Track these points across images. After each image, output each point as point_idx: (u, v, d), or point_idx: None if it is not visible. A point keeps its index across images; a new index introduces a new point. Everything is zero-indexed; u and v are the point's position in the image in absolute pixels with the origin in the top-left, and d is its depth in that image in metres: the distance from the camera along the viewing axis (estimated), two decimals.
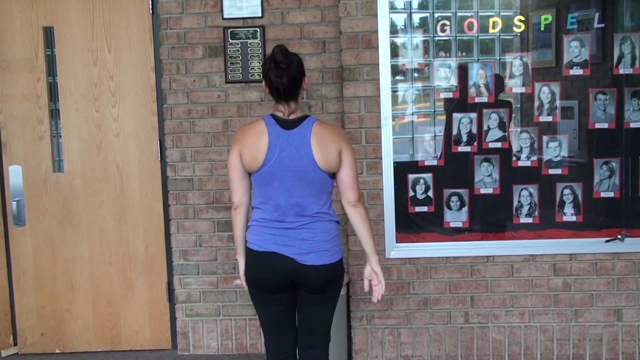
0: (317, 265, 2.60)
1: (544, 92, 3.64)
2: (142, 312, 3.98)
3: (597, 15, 3.61)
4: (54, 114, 3.91)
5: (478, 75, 3.66)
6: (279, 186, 2.58)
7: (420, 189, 3.71)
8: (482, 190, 3.69)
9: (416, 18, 3.73)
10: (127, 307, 3.98)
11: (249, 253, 2.68)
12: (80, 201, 3.92)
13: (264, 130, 2.57)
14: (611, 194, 3.66)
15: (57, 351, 4.01)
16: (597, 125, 3.64)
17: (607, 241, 3.62)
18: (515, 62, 3.66)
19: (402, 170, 3.68)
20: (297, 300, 2.73)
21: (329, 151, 2.58)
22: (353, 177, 2.66)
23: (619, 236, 3.61)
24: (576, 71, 3.62)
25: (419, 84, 3.72)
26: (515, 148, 3.67)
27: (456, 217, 3.71)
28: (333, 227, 2.67)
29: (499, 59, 3.68)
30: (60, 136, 3.91)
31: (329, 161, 2.58)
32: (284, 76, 2.53)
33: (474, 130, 3.66)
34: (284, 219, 2.60)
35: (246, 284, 2.74)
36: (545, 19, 3.65)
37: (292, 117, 2.59)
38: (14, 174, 3.88)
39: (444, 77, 3.68)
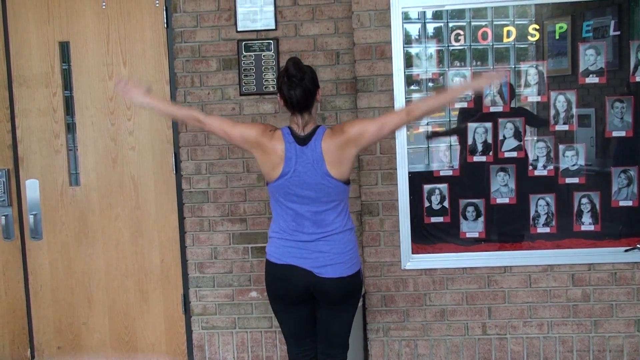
0: (335, 278, 2.65)
1: (560, 100, 3.61)
2: (158, 324, 3.98)
3: (612, 22, 3.58)
4: (70, 128, 3.94)
5: (493, 84, 3.64)
6: (297, 199, 2.64)
7: (435, 199, 3.69)
8: (499, 200, 3.66)
9: (430, 28, 3.72)
10: (143, 320, 3.98)
11: (269, 266, 2.73)
12: (97, 214, 3.93)
13: (281, 144, 2.63)
14: (630, 203, 3.62)
15: None
16: (615, 134, 3.61)
17: (626, 250, 3.58)
18: (530, 71, 3.64)
19: (417, 180, 3.66)
20: (316, 310, 2.78)
21: (342, 158, 2.63)
22: (379, 118, 2.81)
23: (638, 245, 3.57)
24: (592, 79, 3.59)
25: (433, 94, 3.70)
26: (531, 157, 3.64)
27: (472, 228, 3.68)
28: (351, 237, 2.72)
29: (514, 67, 3.66)
30: (77, 150, 3.94)
31: (343, 169, 2.64)
32: (297, 89, 2.59)
33: (490, 140, 3.64)
34: (302, 230, 2.65)
35: (267, 294, 2.81)
36: (560, 28, 3.62)
37: (306, 130, 2.65)
38: (31, 188, 3.91)
39: None
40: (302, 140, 2.63)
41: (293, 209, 2.65)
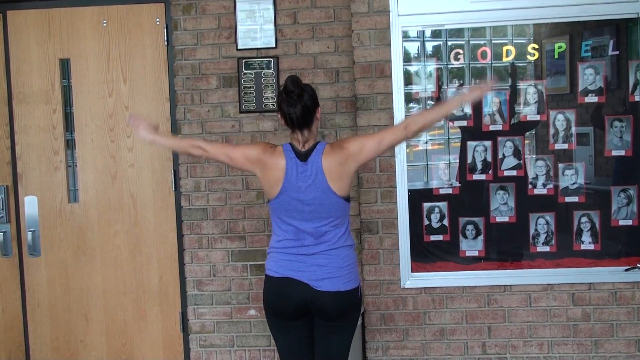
0: (332, 292, 2.65)
1: (559, 119, 3.62)
2: (156, 343, 3.96)
3: (611, 42, 3.60)
4: (70, 145, 3.94)
5: (492, 102, 3.65)
6: (297, 214, 2.65)
7: (435, 217, 3.68)
8: (498, 219, 3.65)
9: (429, 46, 3.74)
10: (140, 337, 3.96)
11: (267, 280, 2.74)
12: (95, 231, 3.92)
13: (282, 160, 2.64)
14: (629, 222, 3.61)
15: None
16: (614, 153, 3.61)
17: (626, 270, 3.57)
18: (529, 90, 3.65)
19: (416, 198, 3.66)
20: (314, 328, 2.76)
21: (342, 174, 2.65)
22: (377, 133, 2.77)
23: (639, 265, 3.56)
24: (591, 98, 3.61)
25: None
26: (530, 176, 3.64)
27: (472, 246, 3.67)
28: (350, 253, 2.72)
29: (513, 86, 3.67)
30: (76, 166, 3.93)
31: (343, 185, 2.65)
32: (296, 105, 2.60)
33: (489, 158, 3.64)
34: (302, 244, 2.66)
35: (264, 311, 2.79)
36: (559, 47, 3.64)
37: (306, 146, 2.67)
38: (30, 205, 3.90)
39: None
40: (303, 156, 2.64)
41: (294, 225, 2.66)
